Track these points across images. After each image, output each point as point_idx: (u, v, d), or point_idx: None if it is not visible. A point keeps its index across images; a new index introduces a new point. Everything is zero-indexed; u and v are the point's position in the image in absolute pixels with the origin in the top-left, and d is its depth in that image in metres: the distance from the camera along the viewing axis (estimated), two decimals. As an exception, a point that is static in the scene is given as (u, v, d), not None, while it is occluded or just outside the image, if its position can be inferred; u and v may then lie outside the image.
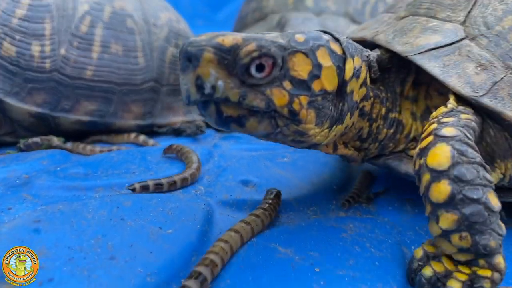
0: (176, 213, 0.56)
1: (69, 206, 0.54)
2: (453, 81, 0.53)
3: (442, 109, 0.52)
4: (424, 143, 0.46)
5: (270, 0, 1.19)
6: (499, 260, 0.44)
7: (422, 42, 0.57)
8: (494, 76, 0.54)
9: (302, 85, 0.46)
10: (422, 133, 0.55)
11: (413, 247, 0.55)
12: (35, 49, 0.79)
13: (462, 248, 0.44)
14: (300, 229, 0.56)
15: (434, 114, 0.52)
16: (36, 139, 0.79)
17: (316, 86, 0.47)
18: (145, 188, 0.61)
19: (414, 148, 0.60)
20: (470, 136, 0.46)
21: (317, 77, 0.47)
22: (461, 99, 0.53)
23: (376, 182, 0.72)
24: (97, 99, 0.83)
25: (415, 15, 0.63)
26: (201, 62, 0.42)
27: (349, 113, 0.51)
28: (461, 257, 0.45)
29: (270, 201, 0.57)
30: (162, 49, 0.91)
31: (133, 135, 0.87)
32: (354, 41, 0.58)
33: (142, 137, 0.86)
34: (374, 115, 0.57)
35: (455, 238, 0.44)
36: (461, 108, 0.52)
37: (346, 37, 0.52)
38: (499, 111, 0.52)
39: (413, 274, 0.49)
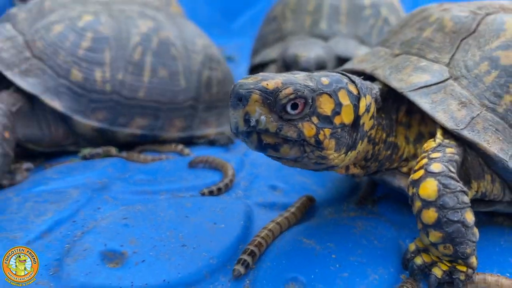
0: (224, 212, 0.71)
1: (145, 207, 0.70)
2: (440, 115, 0.63)
3: (431, 144, 0.62)
4: (416, 176, 0.58)
5: (289, 23, 1.34)
6: (473, 260, 0.58)
7: (414, 80, 0.67)
8: (472, 112, 0.63)
9: (326, 120, 0.56)
10: (415, 157, 0.68)
11: (407, 241, 0.69)
12: (98, 75, 0.95)
13: (446, 254, 0.57)
14: (320, 225, 0.71)
15: (425, 147, 0.63)
16: (99, 150, 0.95)
17: (337, 120, 0.57)
18: (211, 192, 0.78)
19: (406, 166, 0.72)
20: (452, 169, 0.58)
21: (338, 113, 0.57)
22: (447, 130, 0.64)
23: (378, 188, 0.88)
24: (147, 116, 0.99)
25: (408, 53, 0.73)
26: (249, 102, 0.53)
27: (360, 141, 0.63)
28: (445, 258, 0.59)
29: (302, 202, 0.73)
30: (199, 72, 1.07)
31: (173, 145, 1.03)
32: (354, 72, 0.70)
33: (180, 146, 1.02)
34: (377, 140, 0.68)
35: (440, 247, 0.57)
36: (446, 142, 0.62)
37: (359, 78, 0.64)
38: (476, 142, 0.61)
39: (406, 262, 0.62)
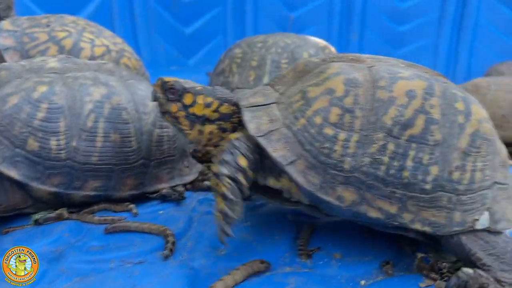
0: (170, 278, 0.77)
1: (96, 277, 0.76)
2: (251, 125, 0.82)
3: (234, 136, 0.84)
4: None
5: (235, 77, 1.45)
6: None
7: (252, 101, 0.86)
8: (273, 127, 0.81)
9: (185, 107, 0.89)
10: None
11: None
12: (53, 143, 1.01)
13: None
14: (259, 284, 0.79)
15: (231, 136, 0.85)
16: (52, 215, 1.00)
17: (191, 109, 0.89)
18: (167, 256, 0.86)
19: None
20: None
21: (192, 106, 0.89)
22: None
23: (315, 236, 0.96)
24: (100, 178, 1.06)
25: (268, 84, 0.93)
26: (155, 85, 0.91)
27: (200, 124, 0.91)
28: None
29: (252, 264, 0.83)
30: (150, 132, 1.15)
31: (125, 204, 1.09)
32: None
33: (130, 206, 1.08)
34: (229, 130, 0.91)
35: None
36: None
37: (218, 89, 0.93)
38: (265, 147, 0.80)
39: None
